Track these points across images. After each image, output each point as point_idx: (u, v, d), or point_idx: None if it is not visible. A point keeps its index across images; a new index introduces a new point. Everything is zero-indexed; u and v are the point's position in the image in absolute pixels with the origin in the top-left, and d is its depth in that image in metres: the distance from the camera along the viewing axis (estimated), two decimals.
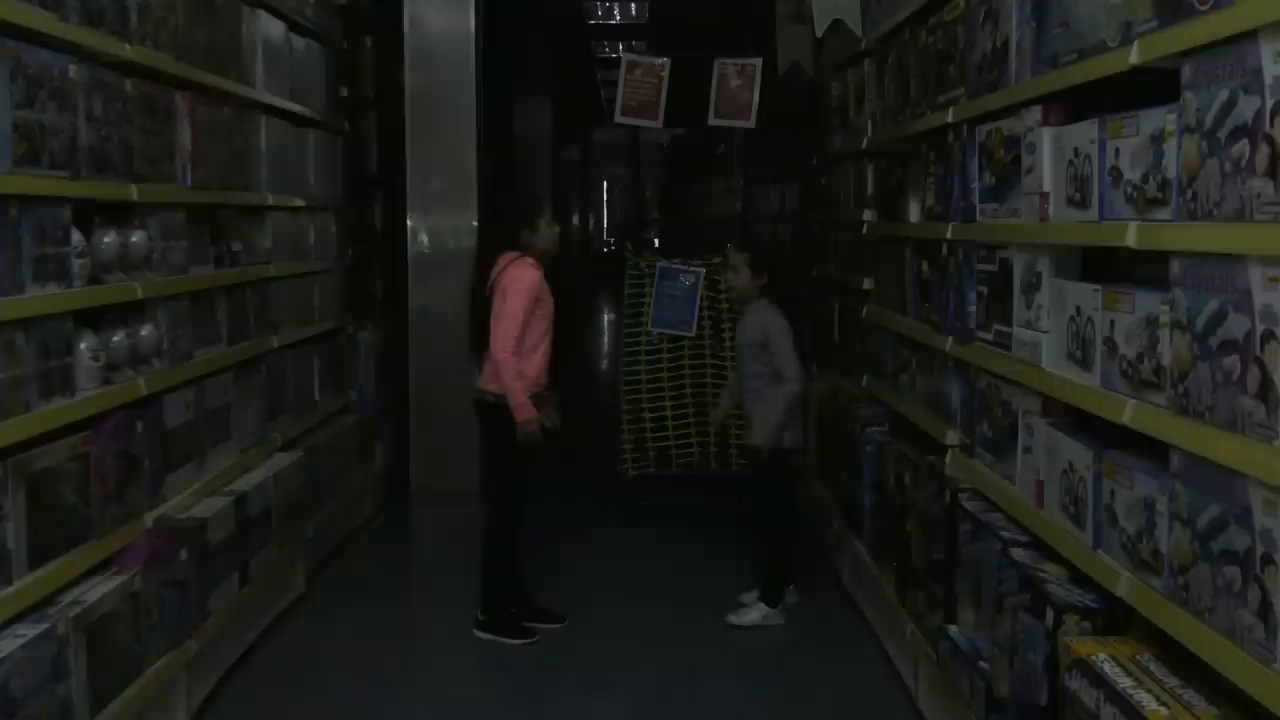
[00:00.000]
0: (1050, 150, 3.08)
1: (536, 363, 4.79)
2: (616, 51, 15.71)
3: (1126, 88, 2.67)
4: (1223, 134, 2.19)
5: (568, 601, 5.21)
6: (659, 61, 6.78)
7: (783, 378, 4.94)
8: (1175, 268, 2.39)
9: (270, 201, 5.20)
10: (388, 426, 7.26)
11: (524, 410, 4.66)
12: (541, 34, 13.81)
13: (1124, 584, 2.62)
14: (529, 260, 4.84)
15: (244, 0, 4.94)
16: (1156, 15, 2.47)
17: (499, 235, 4.98)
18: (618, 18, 15.12)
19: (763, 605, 5.04)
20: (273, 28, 5.31)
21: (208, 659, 4.20)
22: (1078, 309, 2.93)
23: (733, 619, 5.02)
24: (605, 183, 30.04)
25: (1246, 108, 2.11)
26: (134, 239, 3.82)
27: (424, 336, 7.35)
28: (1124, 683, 2.45)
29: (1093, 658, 2.58)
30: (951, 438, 4.00)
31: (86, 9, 3.46)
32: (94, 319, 3.60)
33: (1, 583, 3.00)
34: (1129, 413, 2.59)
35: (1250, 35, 2.09)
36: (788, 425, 5.01)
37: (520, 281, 4.74)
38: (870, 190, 5.51)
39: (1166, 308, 2.45)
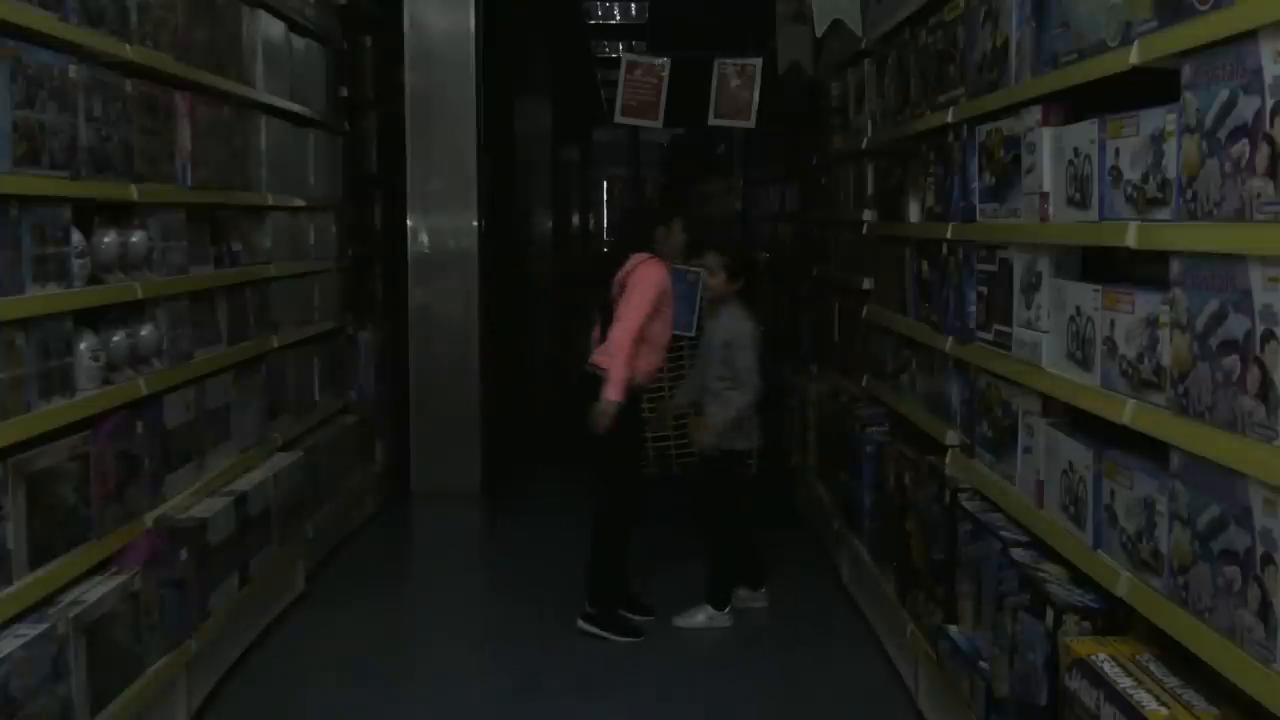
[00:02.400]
0: (1050, 150, 3.08)
1: (650, 359, 5.00)
2: (616, 51, 15.69)
3: (1126, 88, 2.67)
4: (1223, 134, 2.19)
5: (567, 601, 5.21)
6: (659, 61, 6.78)
7: (740, 383, 4.98)
8: (1175, 268, 2.39)
9: (270, 201, 5.20)
10: (388, 426, 7.26)
11: (616, 392, 4.78)
12: (541, 34, 13.80)
13: (1124, 584, 2.62)
14: (657, 261, 5.04)
15: (244, 0, 4.94)
16: (1156, 15, 2.47)
17: (632, 236, 5.25)
18: (618, 18, 15.10)
19: (709, 607, 5.03)
20: (273, 28, 5.31)
21: (208, 659, 4.20)
22: (1078, 309, 2.93)
23: (679, 621, 5.02)
24: (605, 183, 30.00)
25: (1246, 108, 2.11)
26: (134, 239, 3.82)
27: (424, 336, 7.35)
28: (1124, 683, 2.45)
29: (1093, 658, 2.58)
30: (951, 438, 4.00)
31: (86, 9, 3.46)
32: (94, 319, 3.60)
33: (1, 583, 3.00)
34: (1129, 413, 2.59)
35: (1250, 35, 2.09)
36: (739, 428, 5.02)
37: (649, 275, 4.94)
38: (870, 190, 5.50)
39: (1166, 308, 2.44)
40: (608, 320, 4.95)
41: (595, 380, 4.94)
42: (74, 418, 3.37)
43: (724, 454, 5.05)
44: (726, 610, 5.04)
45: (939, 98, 4.14)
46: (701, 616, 5.03)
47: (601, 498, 5.11)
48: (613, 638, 4.89)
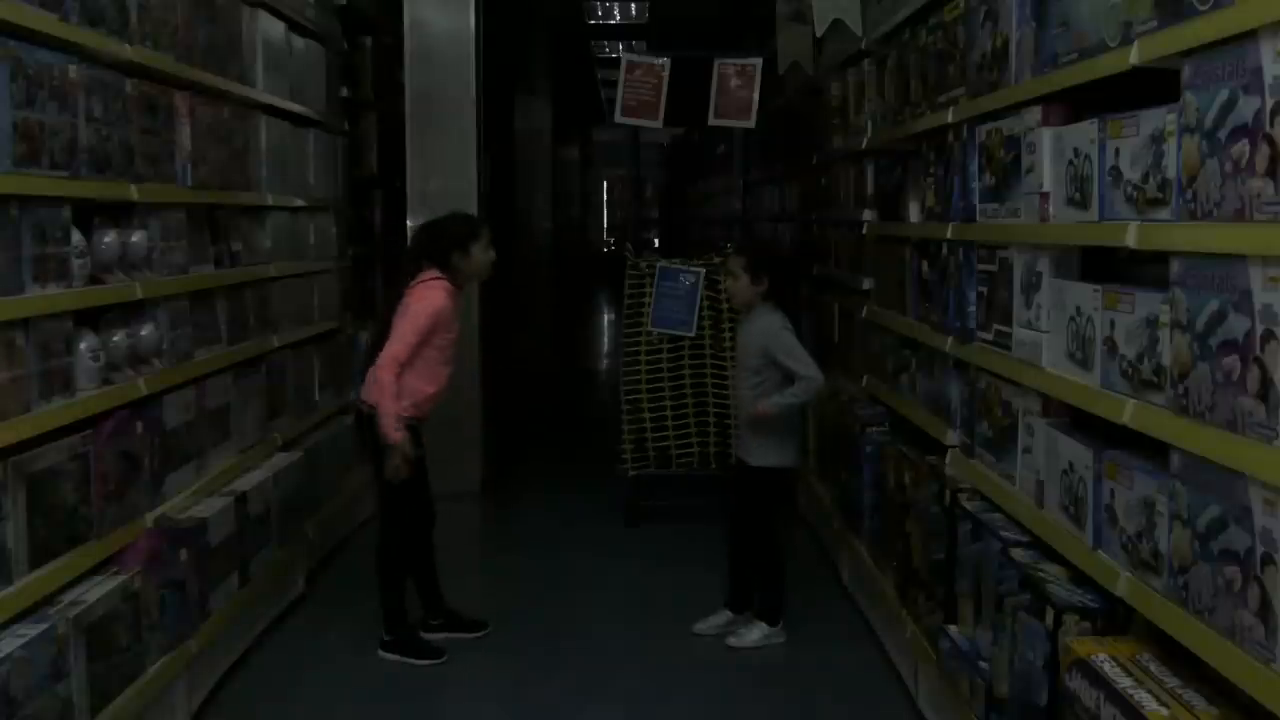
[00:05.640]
0: (1050, 150, 3.08)
1: (426, 392, 4.58)
2: (616, 51, 15.70)
3: (1126, 88, 2.67)
4: (1223, 134, 2.19)
5: (568, 601, 5.21)
6: (659, 61, 6.77)
7: (795, 378, 4.64)
8: (1175, 268, 2.39)
9: (270, 201, 5.20)
10: None
11: (391, 432, 4.42)
12: (541, 34, 13.82)
13: (1124, 584, 2.62)
14: (443, 284, 4.59)
15: (244, 0, 4.94)
16: (1156, 15, 2.47)
17: (427, 250, 4.69)
18: (618, 18, 15.10)
19: (762, 624, 4.83)
20: (273, 28, 5.31)
21: (208, 659, 4.20)
22: (1078, 309, 2.93)
23: (732, 641, 4.81)
24: (605, 183, 30.05)
25: (1246, 108, 2.11)
26: (134, 239, 3.82)
27: None
28: (1124, 683, 2.45)
29: (1093, 658, 2.58)
30: (951, 438, 4.00)
31: (86, 9, 3.46)
32: (94, 319, 3.60)
33: (1, 583, 3.00)
34: (1129, 413, 2.59)
35: (1250, 35, 2.09)
36: (779, 443, 4.77)
37: (424, 302, 4.52)
38: (870, 190, 5.50)
39: (1166, 308, 2.45)
40: (380, 341, 4.57)
41: (370, 421, 4.53)
42: (74, 418, 3.37)
43: (759, 471, 4.80)
44: (780, 625, 4.84)
45: (939, 98, 4.14)
46: (755, 634, 4.82)
47: (381, 525, 4.83)
48: (414, 662, 4.64)
